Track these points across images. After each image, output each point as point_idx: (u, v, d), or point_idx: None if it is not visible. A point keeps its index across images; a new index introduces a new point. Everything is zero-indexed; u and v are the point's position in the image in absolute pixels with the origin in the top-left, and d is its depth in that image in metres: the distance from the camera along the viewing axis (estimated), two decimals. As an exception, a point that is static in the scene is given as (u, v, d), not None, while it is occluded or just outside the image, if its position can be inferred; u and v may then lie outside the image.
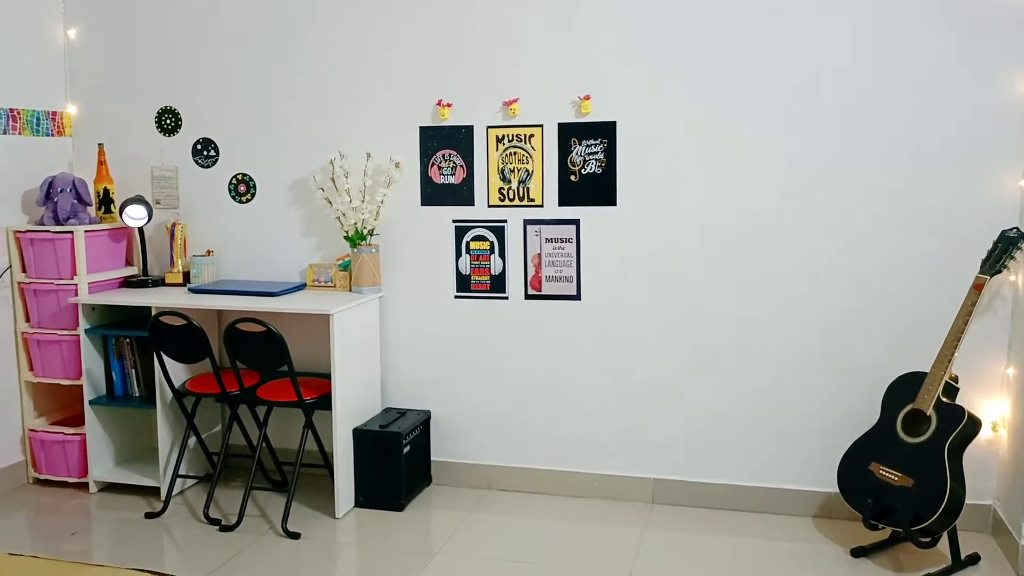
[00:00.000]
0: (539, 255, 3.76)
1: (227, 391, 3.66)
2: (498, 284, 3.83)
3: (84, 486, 3.98)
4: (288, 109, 4.01)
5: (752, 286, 3.56)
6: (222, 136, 4.12)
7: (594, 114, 3.63)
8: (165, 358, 3.70)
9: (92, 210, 4.15)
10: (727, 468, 3.68)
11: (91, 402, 3.92)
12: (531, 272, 3.78)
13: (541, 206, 3.74)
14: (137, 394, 3.97)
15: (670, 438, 3.73)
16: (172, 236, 4.14)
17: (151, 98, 4.19)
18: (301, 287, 3.98)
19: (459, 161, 3.81)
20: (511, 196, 3.77)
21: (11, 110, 3.95)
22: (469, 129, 3.78)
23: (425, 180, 3.86)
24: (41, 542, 3.46)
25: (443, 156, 3.83)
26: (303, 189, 4.02)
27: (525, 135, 3.72)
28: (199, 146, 4.15)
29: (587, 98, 3.62)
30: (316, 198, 3.97)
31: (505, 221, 3.79)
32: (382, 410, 3.99)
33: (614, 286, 3.71)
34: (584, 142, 3.65)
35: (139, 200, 4.01)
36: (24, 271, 3.99)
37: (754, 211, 3.51)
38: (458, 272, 3.88)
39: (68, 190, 3.94)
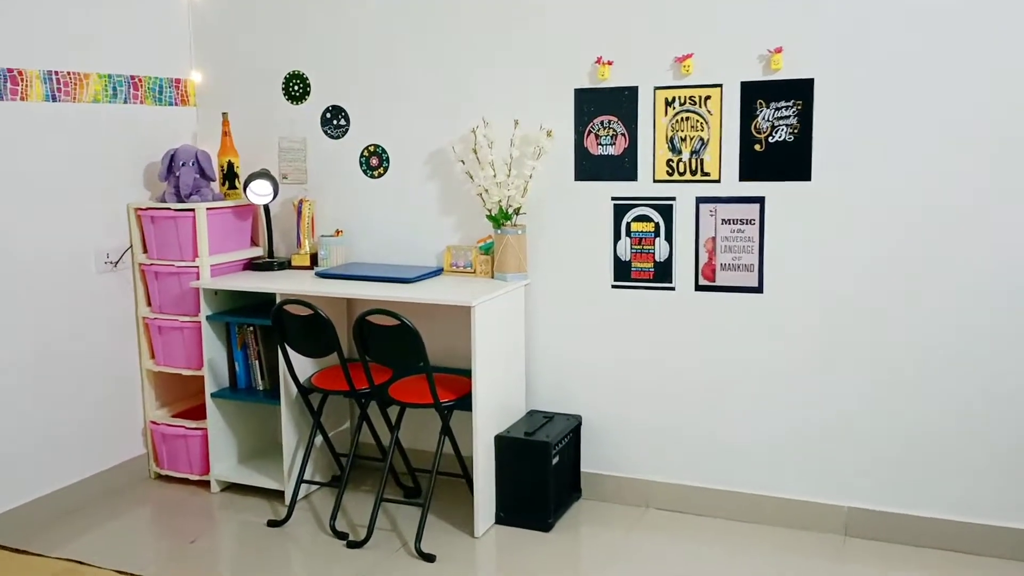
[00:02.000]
0: (713, 239, 3.19)
1: (356, 389, 3.26)
2: (663, 272, 3.28)
3: (206, 484, 3.69)
4: (425, 72, 3.56)
5: (981, 286, 2.89)
6: (353, 104, 3.72)
7: (786, 70, 3.02)
8: (290, 350, 3.34)
9: (216, 185, 3.83)
10: (941, 499, 3.03)
11: (213, 395, 3.61)
12: (703, 259, 3.22)
13: (717, 181, 3.16)
14: (261, 387, 3.63)
15: (873, 460, 3.10)
16: (299, 214, 3.78)
17: (278, 63, 3.82)
18: (437, 272, 3.55)
19: (620, 129, 3.27)
20: (681, 169, 3.20)
21: (132, 78, 3.65)
22: (633, 91, 3.23)
23: (580, 151, 3.35)
24: (161, 551, 3.17)
25: (601, 123, 3.30)
26: (441, 162, 3.57)
27: (700, 97, 3.14)
28: (328, 115, 3.76)
29: (778, 51, 3.00)
30: (456, 172, 3.51)
31: (674, 199, 3.24)
32: (527, 413, 3.52)
33: (805, 278, 3.10)
34: (772, 104, 3.05)
35: (264, 175, 3.65)
36: (145, 251, 3.71)
37: (992, 191, 2.83)
38: (616, 258, 3.35)
39: (190, 164, 3.63)
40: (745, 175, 3.12)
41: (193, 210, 3.54)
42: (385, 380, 3.34)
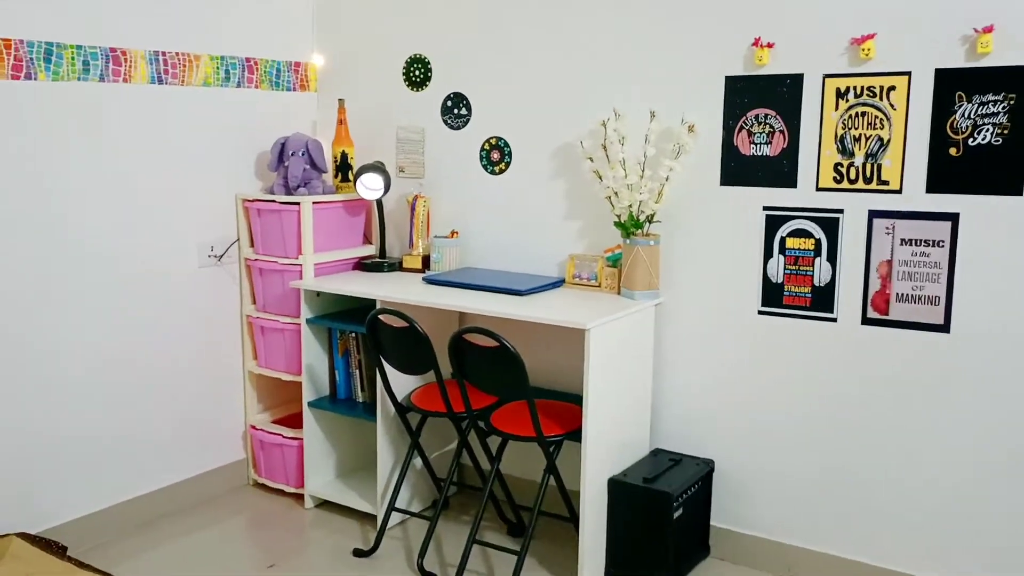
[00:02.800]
0: (889, 263, 2.60)
1: (456, 412, 2.90)
2: (823, 299, 2.72)
3: (300, 498, 3.43)
4: (554, 55, 3.13)
5: None
6: (475, 91, 3.35)
7: (996, 55, 2.39)
8: (386, 364, 3.01)
9: (328, 177, 3.57)
10: None
11: (310, 404, 3.34)
12: (874, 286, 2.63)
13: (898, 191, 2.57)
14: (361, 399, 3.33)
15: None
16: (413, 211, 3.45)
17: (400, 46, 3.50)
18: (558, 284, 3.12)
19: (778, 124, 2.73)
20: (852, 176, 2.63)
21: (247, 60, 3.44)
22: (797, 79, 2.69)
23: (728, 150, 2.83)
24: (236, 573, 2.92)
25: (756, 118, 2.77)
26: (568, 158, 3.14)
27: (881, 87, 2.56)
28: (449, 103, 3.41)
29: (988, 30, 2.38)
30: (584, 170, 3.06)
31: (841, 212, 2.67)
32: (650, 452, 3.04)
33: (1008, 319, 2.46)
34: (976, 98, 2.43)
35: (376, 168, 3.34)
36: (252, 245, 3.49)
37: None
38: (766, 278, 2.81)
39: (300, 153, 3.37)
40: (935, 185, 2.51)
41: (299, 203, 3.28)
42: (488, 404, 2.96)
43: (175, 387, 3.31)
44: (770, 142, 2.75)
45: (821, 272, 2.72)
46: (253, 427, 3.54)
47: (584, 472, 2.70)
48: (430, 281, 3.18)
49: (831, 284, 2.70)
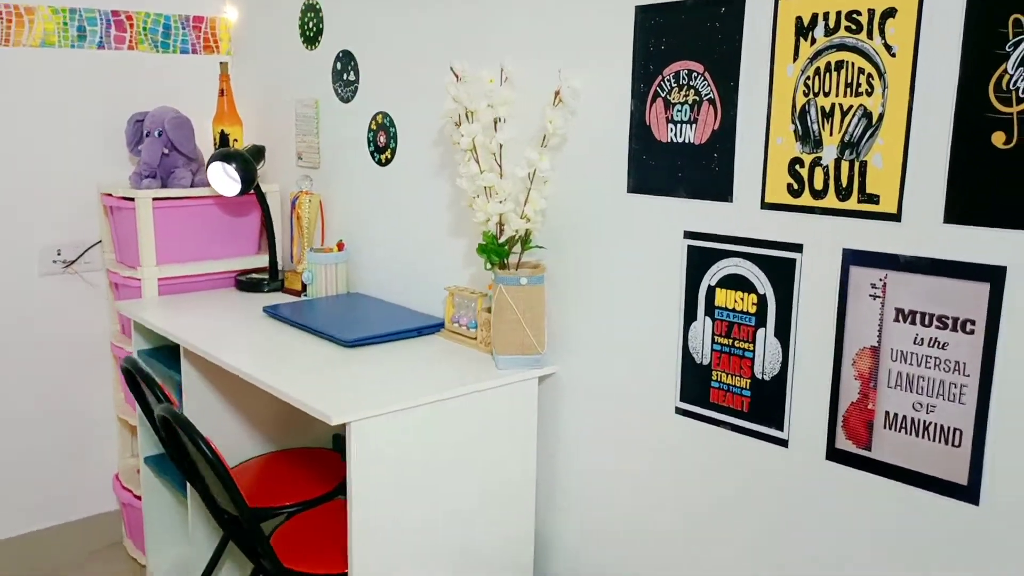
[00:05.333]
0: (875, 352, 1.36)
1: (223, 513, 1.99)
2: (769, 404, 1.52)
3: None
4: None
5: None
6: (364, 48, 2.39)
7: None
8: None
9: (199, 166, 2.75)
10: None
11: (147, 459, 2.56)
12: (849, 392, 1.39)
13: (895, 217, 1.32)
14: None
15: None
16: (293, 213, 2.56)
17: (298, -11, 2.61)
18: (430, 329, 2.11)
19: (707, 89, 1.55)
20: (819, 184, 1.40)
21: (114, 13, 2.69)
22: (735, 3, 1.49)
23: (639, 133, 1.68)
24: None
25: (676, 78, 1.60)
26: (450, 145, 2.11)
27: (871, 13, 1.32)
28: (339, 65, 2.47)
29: None
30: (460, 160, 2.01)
31: (799, 249, 1.45)
32: (527, 604, 1.96)
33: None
34: (1051, 26, 1.15)
35: (227, 156, 2.47)
36: (115, 251, 2.76)
37: None
38: (687, 353, 1.64)
39: (157, 134, 2.58)
40: (961, 209, 1.24)
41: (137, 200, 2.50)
42: (306, 499, 2.02)
43: (24, 436, 2.67)
44: (694, 120, 1.57)
45: (766, 355, 1.51)
46: (116, 476, 2.84)
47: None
48: (271, 314, 2.28)
49: (781, 378, 1.49)
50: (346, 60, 2.43)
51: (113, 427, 2.87)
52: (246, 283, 2.62)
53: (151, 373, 1.94)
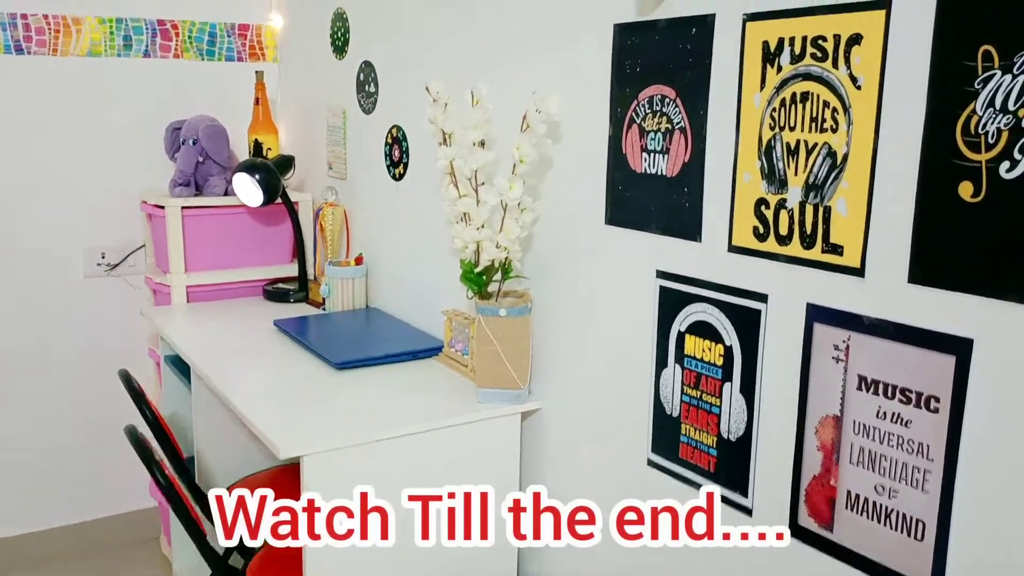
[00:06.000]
0: (837, 421, 1.20)
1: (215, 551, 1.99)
2: (735, 465, 1.37)
3: None
4: (446, 9, 2.02)
5: None
6: (382, 59, 2.33)
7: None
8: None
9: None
10: None
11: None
12: (811, 463, 1.23)
13: (858, 272, 1.15)
14: (220, 470, 2.54)
15: None
16: (316, 225, 2.54)
17: (323, 1, 2.59)
18: (428, 353, 2.05)
19: (679, 117, 1.41)
20: (783, 229, 1.25)
21: (159, 23, 2.74)
22: (705, 25, 1.35)
23: (616, 161, 1.55)
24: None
25: (648, 103, 1.47)
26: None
27: (836, 39, 1.15)
28: (362, 76, 2.43)
29: None
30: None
31: (763, 299, 1.30)
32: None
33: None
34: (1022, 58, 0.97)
35: (251, 167, 2.46)
36: (154, 256, 2.82)
37: None
38: (658, 402, 1.51)
39: (192, 142, 2.61)
40: (925, 269, 1.07)
41: (174, 207, 2.53)
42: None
43: (68, 437, 2.78)
44: (667, 150, 1.44)
45: (732, 413, 1.36)
46: (156, 475, 2.91)
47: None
48: (280, 328, 2.26)
49: (746, 440, 1.35)
50: (368, 71, 2.38)
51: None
52: (273, 293, 2.62)
53: (138, 387, 1.96)
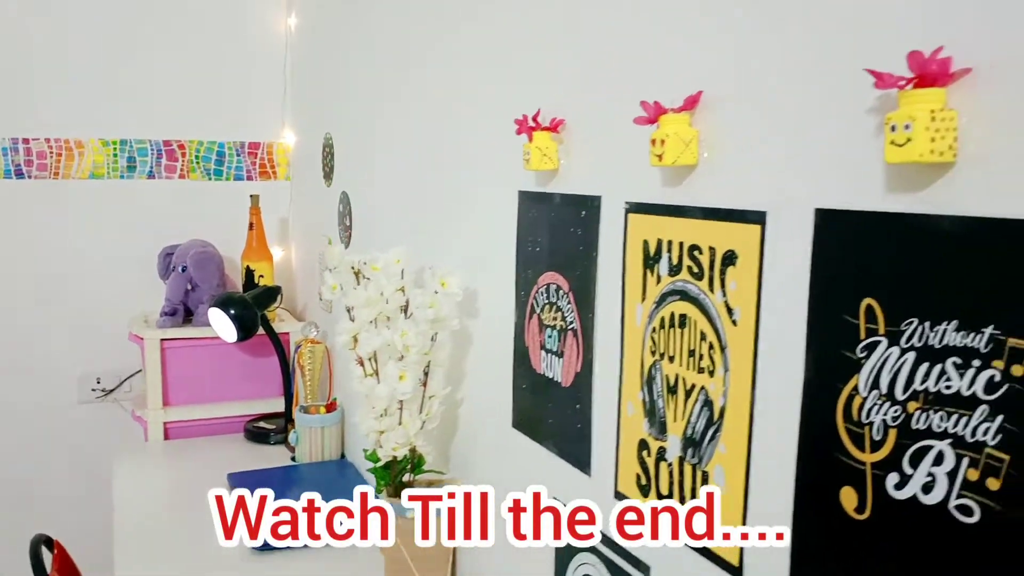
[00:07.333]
0: None
1: None
2: None
3: None
4: (406, 138, 1.83)
5: None
6: (358, 192, 2.15)
7: (976, 197, 0.60)
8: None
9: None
10: None
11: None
12: None
13: (737, 573, 0.84)
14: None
15: None
16: (294, 365, 2.36)
17: (324, 122, 2.43)
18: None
19: (571, 316, 1.13)
20: (663, 485, 0.94)
21: (165, 143, 2.67)
22: (594, 208, 1.08)
23: (519, 354, 1.28)
24: None
25: (545, 291, 1.20)
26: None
27: (712, 252, 0.86)
28: (341, 206, 2.25)
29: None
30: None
31: (647, 572, 0.99)
32: None
33: None
34: (934, 329, 0.65)
35: (226, 301, 2.30)
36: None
37: None
38: (557, 664, 1.20)
39: (181, 270, 2.50)
40: (817, 591, 0.75)
41: (163, 339, 2.41)
42: None
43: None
44: (562, 352, 1.16)
45: None
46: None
47: None
48: (233, 484, 2.06)
49: None
50: (345, 202, 2.21)
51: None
52: (253, 433, 2.44)
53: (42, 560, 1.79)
